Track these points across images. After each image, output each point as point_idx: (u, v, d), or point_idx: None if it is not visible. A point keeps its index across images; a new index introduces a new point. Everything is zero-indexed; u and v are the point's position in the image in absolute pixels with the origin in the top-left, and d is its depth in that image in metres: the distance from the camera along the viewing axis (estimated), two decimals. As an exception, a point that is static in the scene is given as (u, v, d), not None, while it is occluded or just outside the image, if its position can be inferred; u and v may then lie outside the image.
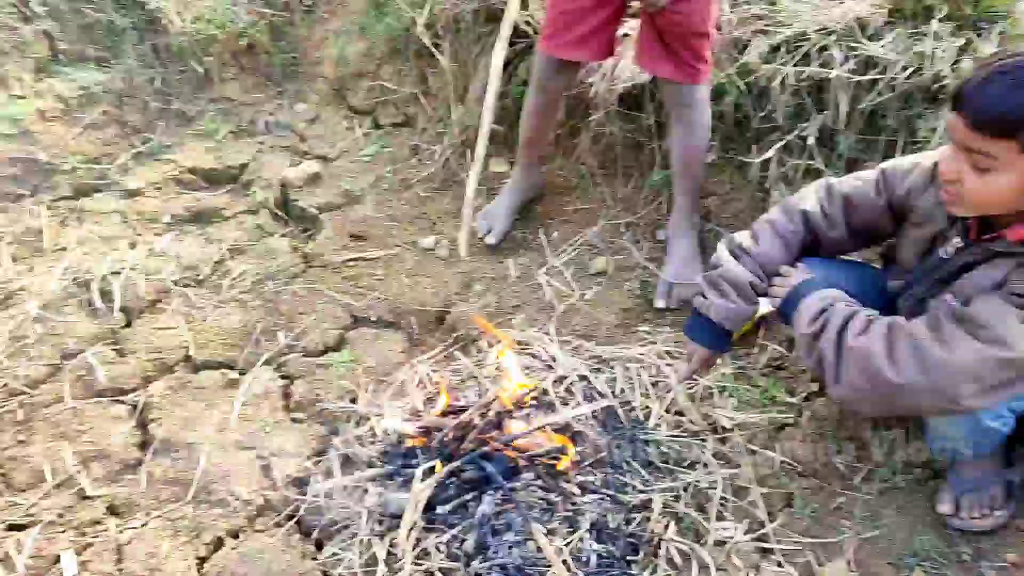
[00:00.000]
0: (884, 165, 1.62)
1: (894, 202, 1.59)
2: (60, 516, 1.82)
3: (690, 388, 2.12)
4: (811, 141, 2.27)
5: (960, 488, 1.72)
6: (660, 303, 2.42)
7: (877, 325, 1.40)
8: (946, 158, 1.34)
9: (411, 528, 1.74)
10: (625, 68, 2.60)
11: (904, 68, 2.14)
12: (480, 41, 3.06)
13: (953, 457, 1.73)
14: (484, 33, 3.02)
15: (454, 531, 1.75)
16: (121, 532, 1.76)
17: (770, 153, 2.35)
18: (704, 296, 1.71)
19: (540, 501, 1.81)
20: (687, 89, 2.23)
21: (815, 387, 2.11)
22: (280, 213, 2.92)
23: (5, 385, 2.14)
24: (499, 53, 1.97)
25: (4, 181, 2.91)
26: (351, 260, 2.64)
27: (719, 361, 2.05)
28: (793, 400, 2.08)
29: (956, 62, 2.12)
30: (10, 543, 1.73)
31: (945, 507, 1.73)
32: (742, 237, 1.71)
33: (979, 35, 2.17)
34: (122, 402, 2.12)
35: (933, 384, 1.29)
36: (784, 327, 2.26)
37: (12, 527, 1.79)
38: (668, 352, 2.24)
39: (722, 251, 1.71)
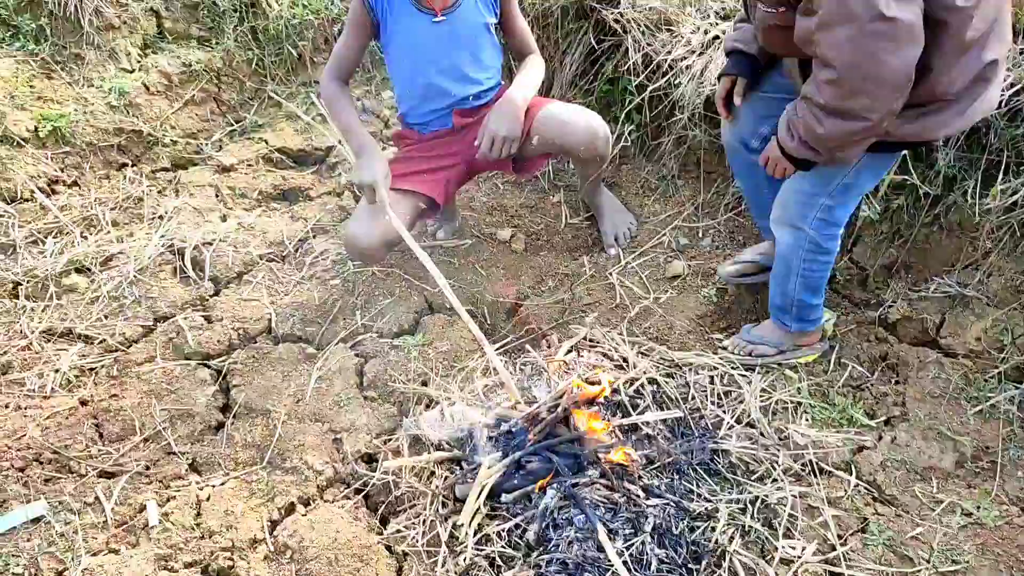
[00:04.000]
0: None
1: None
2: (147, 468, 1.91)
3: (764, 401, 2.08)
4: (905, 154, 2.19)
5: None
6: (612, 251, 2.66)
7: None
8: None
9: (474, 513, 1.76)
10: (714, 71, 2.55)
11: (1012, 84, 2.03)
12: (568, 37, 3.06)
13: None
14: (572, 29, 3.02)
15: (516, 520, 1.77)
16: (201, 489, 1.84)
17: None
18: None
19: (604, 500, 1.80)
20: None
21: (897, 412, 2.04)
22: (363, 196, 2.99)
23: (103, 341, 2.26)
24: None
25: (109, 150, 3.07)
26: (428, 247, 2.68)
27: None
28: (872, 423, 2.02)
29: (1075, 81, 2.01)
30: (100, 489, 1.84)
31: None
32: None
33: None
34: (208, 366, 2.22)
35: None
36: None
37: (103, 474, 1.89)
38: (743, 363, 2.20)
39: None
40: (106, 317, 2.35)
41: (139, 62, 3.40)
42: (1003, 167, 2.16)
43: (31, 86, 2.99)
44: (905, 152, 2.20)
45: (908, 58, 1.39)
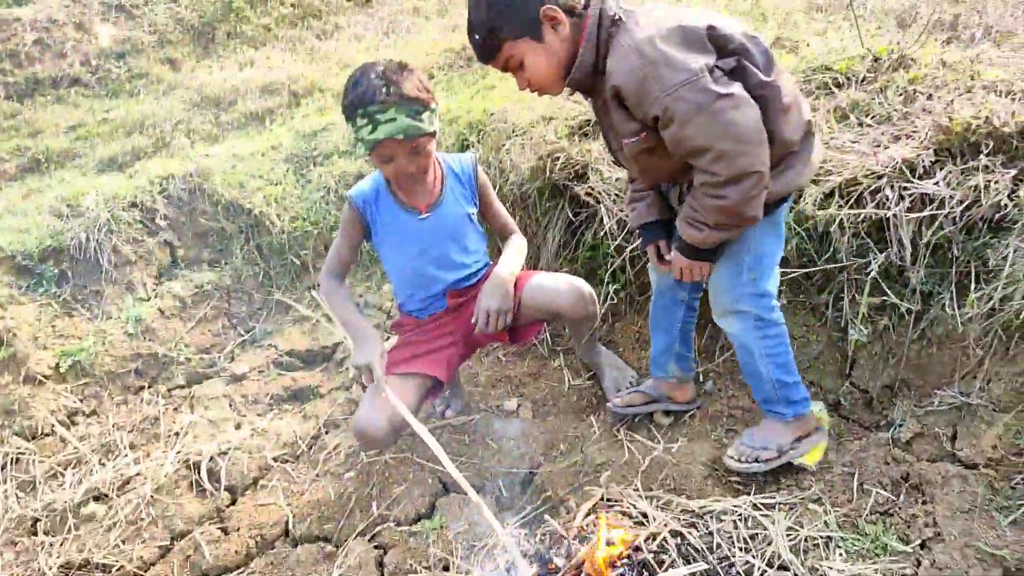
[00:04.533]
0: None
1: None
2: None
3: (792, 540, 2.02)
4: (875, 276, 2.30)
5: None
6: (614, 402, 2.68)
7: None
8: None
9: None
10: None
11: (960, 202, 2.18)
12: (547, 214, 3.30)
13: None
14: (550, 207, 3.27)
15: None
16: None
17: (824, 295, 2.39)
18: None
19: (644, 671, 1.71)
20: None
21: (930, 532, 1.97)
22: (370, 387, 3.08)
23: (121, 568, 2.25)
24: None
25: (126, 375, 3.21)
26: (438, 427, 2.72)
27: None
28: (908, 548, 1.94)
29: (1014, 191, 2.16)
30: None
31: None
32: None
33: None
34: (226, 581, 2.18)
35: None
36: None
37: None
38: (764, 503, 2.16)
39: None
40: (123, 543, 2.34)
41: (154, 290, 3.65)
42: (973, 276, 2.27)
43: (53, 326, 3.20)
44: (875, 276, 2.32)
45: (754, 114, 1.73)
